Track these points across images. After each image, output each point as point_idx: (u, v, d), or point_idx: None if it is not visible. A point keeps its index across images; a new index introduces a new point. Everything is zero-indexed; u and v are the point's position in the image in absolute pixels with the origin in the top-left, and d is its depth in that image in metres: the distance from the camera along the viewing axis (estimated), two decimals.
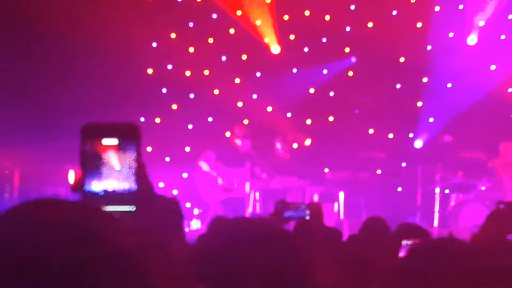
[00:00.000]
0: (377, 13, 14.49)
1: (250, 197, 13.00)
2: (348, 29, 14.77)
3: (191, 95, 14.68)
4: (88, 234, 1.48)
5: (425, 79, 14.52)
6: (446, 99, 14.17)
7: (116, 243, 1.51)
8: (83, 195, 1.88)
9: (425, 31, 14.35)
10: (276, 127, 14.22)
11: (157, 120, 14.27)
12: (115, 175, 1.90)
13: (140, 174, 1.89)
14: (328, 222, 11.88)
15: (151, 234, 1.86)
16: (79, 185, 1.89)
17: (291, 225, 5.15)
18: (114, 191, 1.89)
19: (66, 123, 12.72)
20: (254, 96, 14.80)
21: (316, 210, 5.11)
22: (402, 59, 14.58)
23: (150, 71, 14.64)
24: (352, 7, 14.69)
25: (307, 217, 4.90)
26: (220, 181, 12.80)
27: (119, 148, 1.90)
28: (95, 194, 1.89)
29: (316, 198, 13.53)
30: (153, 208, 1.95)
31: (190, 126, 14.48)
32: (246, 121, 14.09)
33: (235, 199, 12.81)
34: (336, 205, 13.45)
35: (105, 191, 1.90)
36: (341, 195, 13.59)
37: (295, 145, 14.37)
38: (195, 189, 13.03)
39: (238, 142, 13.01)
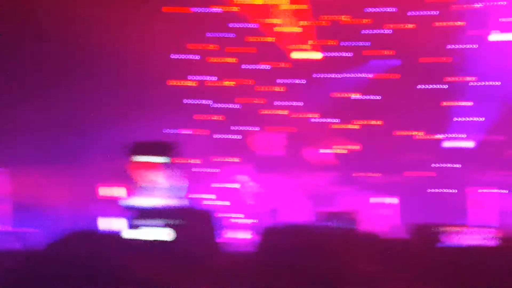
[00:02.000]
0: (419, 14, 14.39)
1: (298, 205, 13.00)
2: (389, 31, 14.64)
3: (214, 105, 14.60)
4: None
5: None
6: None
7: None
8: (128, 210, 1.83)
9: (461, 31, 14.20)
10: (318, 133, 14.14)
11: (206, 132, 14.27)
12: (159, 191, 1.87)
13: (183, 189, 1.84)
14: (377, 227, 11.80)
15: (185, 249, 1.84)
16: (125, 200, 1.84)
17: None
18: (158, 207, 1.85)
19: (94, 141, 12.85)
20: (294, 103, 14.69)
21: (357, 216, 5.07)
22: (446, 59, 14.40)
23: (172, 83, 14.57)
24: (391, 9, 14.57)
25: (349, 224, 4.94)
26: (261, 192, 12.80)
27: (164, 165, 1.87)
28: (140, 209, 1.86)
29: (363, 202, 13.45)
30: (193, 222, 1.89)
31: (215, 136, 14.37)
32: None
33: (283, 207, 12.83)
34: (388, 208, 13.33)
35: (150, 207, 1.86)
36: (390, 199, 13.46)
37: (339, 151, 14.26)
38: (245, 200, 13.01)
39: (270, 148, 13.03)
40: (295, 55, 14.62)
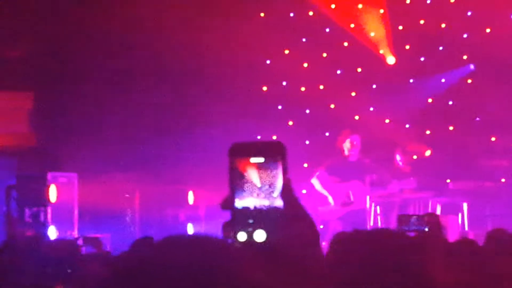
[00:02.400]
0: (495, 17, 14.11)
1: (371, 210, 12.82)
2: (465, 35, 14.44)
3: (307, 111, 14.61)
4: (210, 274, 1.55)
5: None
6: None
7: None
8: (232, 213, 1.84)
9: None
10: (395, 139, 13.99)
11: (274, 137, 14.22)
12: (260, 193, 1.85)
13: (286, 191, 1.83)
14: (452, 234, 11.60)
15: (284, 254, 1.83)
16: (227, 203, 1.85)
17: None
18: (261, 209, 1.84)
19: (184, 145, 12.90)
20: (371, 109, 14.62)
21: (434, 221, 4.98)
22: None
23: (265, 88, 14.66)
24: (469, 13, 14.36)
25: (426, 229, 4.86)
26: (331, 199, 12.63)
27: (266, 167, 1.85)
28: (243, 211, 1.85)
29: (439, 209, 13.25)
30: (297, 226, 1.87)
31: (307, 142, 14.40)
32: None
33: (354, 213, 12.62)
34: (460, 216, 13.10)
35: (252, 208, 1.85)
36: (465, 205, 13.25)
37: (415, 157, 14.12)
38: (312, 207, 12.90)
39: (349, 152, 12.81)
40: (370, 60, 14.53)
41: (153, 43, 13.31)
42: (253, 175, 1.86)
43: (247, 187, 1.86)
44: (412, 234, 5.04)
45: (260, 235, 1.84)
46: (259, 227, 1.83)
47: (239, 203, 1.86)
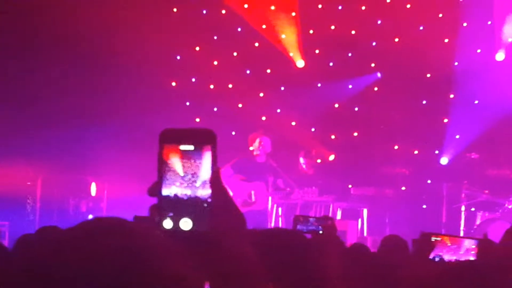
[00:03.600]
0: (404, 28, 14.37)
1: (272, 211, 12.89)
2: (374, 43, 14.67)
3: (215, 109, 14.61)
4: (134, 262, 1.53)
5: (451, 95, 14.38)
6: (472, 115, 14.01)
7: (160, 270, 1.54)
8: (159, 200, 1.83)
9: (452, 47, 14.23)
10: (300, 141, 14.11)
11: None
12: (183, 182, 1.84)
13: (215, 181, 1.82)
14: (351, 238, 11.79)
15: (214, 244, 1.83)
16: (154, 189, 1.83)
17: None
18: (189, 198, 1.83)
19: (88, 134, 12.73)
20: (278, 110, 14.71)
21: (329, 224, 5.06)
22: (428, 75, 14.46)
23: (174, 83, 14.59)
24: (379, 21, 14.59)
25: (321, 231, 4.94)
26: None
27: (190, 155, 1.84)
28: (170, 200, 1.84)
29: (339, 214, 13.42)
30: (226, 216, 1.87)
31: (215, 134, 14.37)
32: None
33: (254, 213, 12.64)
34: (359, 221, 13.31)
35: (179, 197, 1.84)
36: (365, 211, 13.47)
37: (319, 160, 14.27)
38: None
39: (256, 152, 12.85)
40: (279, 61, 14.61)
41: (65, 28, 13.08)
42: (176, 163, 1.84)
43: (170, 176, 1.84)
44: (307, 235, 5.09)
45: (186, 224, 1.82)
46: (185, 216, 1.81)
47: (164, 191, 1.84)
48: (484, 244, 3.64)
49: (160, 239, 1.61)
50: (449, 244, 3.83)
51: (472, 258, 3.71)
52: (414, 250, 4.82)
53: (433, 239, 3.89)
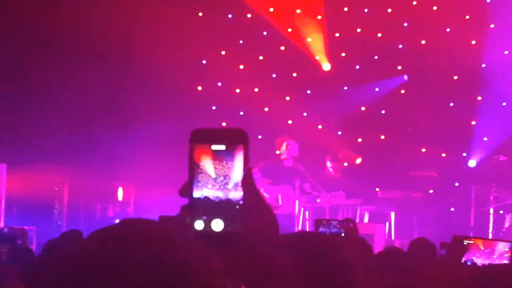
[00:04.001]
0: (431, 30, 14.31)
1: (299, 215, 12.87)
2: (400, 46, 14.61)
3: (241, 113, 14.61)
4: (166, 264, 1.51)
5: (479, 98, 14.29)
6: (500, 117, 13.91)
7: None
8: (190, 201, 1.80)
9: (479, 49, 14.13)
10: (326, 145, 14.07)
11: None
12: (215, 184, 1.81)
13: (247, 181, 1.80)
14: (379, 242, 11.73)
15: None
16: (185, 190, 1.81)
17: None
18: (221, 200, 1.81)
19: (114, 139, 12.78)
20: (305, 114, 14.68)
21: (350, 226, 5.05)
22: (455, 77, 14.37)
23: (200, 88, 14.62)
24: (405, 24, 14.53)
25: (342, 234, 4.93)
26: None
27: (221, 157, 1.82)
28: (201, 201, 1.81)
29: (366, 217, 13.37)
30: (258, 218, 1.85)
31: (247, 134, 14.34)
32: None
33: (281, 216, 12.60)
34: (387, 225, 13.25)
35: (208, 198, 1.82)
36: (393, 214, 13.40)
37: (345, 164, 14.23)
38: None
39: (283, 156, 12.85)
40: (305, 65, 14.59)
41: (90, 36, 13.14)
42: (207, 165, 1.82)
43: (202, 178, 1.82)
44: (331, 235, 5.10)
45: (218, 225, 1.80)
46: (216, 217, 1.79)
47: (195, 193, 1.82)
48: None
49: (191, 242, 1.59)
50: (482, 248, 3.75)
51: (506, 262, 3.64)
52: (446, 254, 4.78)
53: (465, 242, 3.82)
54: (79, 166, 12.59)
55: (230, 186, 1.80)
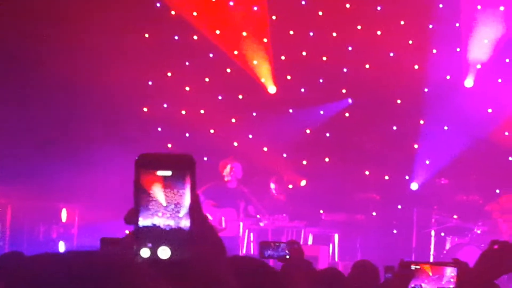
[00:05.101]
0: (374, 54, 14.49)
1: (244, 237, 12.87)
2: (345, 70, 14.76)
3: (187, 134, 14.61)
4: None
5: (421, 121, 14.49)
6: (442, 141, 14.13)
7: None
8: (135, 229, 1.79)
9: (422, 73, 14.36)
10: (271, 167, 14.13)
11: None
12: (166, 212, 1.81)
13: (194, 208, 1.81)
14: (323, 263, 11.80)
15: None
16: (131, 217, 1.81)
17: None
18: (164, 228, 1.81)
19: (59, 161, 12.67)
20: (250, 136, 14.74)
21: (295, 248, 5.09)
22: (399, 101, 14.57)
23: (145, 109, 14.59)
24: (350, 48, 14.69)
25: (287, 256, 4.96)
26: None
27: (173, 184, 1.82)
28: (148, 229, 1.81)
29: (311, 239, 13.44)
30: (205, 244, 1.86)
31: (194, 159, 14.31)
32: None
33: (225, 239, 12.50)
34: (331, 247, 13.34)
35: (157, 226, 1.81)
36: (336, 236, 13.50)
37: (290, 186, 14.30)
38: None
39: (227, 178, 12.86)
40: (251, 87, 14.67)
41: (33, 55, 13.05)
42: (158, 193, 1.79)
43: (152, 206, 1.79)
44: (272, 260, 5.13)
45: (164, 252, 1.79)
46: (163, 244, 1.77)
47: (143, 221, 1.79)
48: (462, 270, 3.64)
49: (137, 268, 1.59)
50: (431, 274, 3.74)
51: (451, 287, 3.64)
52: (391, 278, 4.82)
53: (413, 267, 3.82)
54: (21, 187, 12.46)
55: (181, 214, 1.79)
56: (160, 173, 1.83)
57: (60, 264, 1.50)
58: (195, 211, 1.80)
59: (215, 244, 1.90)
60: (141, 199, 1.81)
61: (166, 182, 1.81)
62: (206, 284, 1.80)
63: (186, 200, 1.82)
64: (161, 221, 1.81)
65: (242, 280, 2.28)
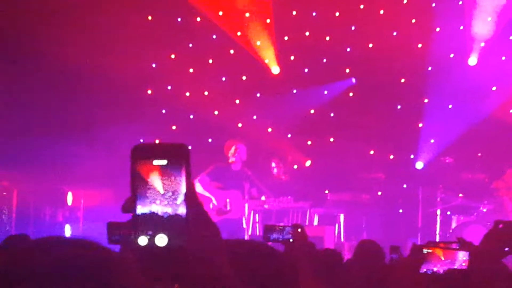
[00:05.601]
0: (378, 33, 14.46)
1: (249, 219, 12.88)
2: (348, 49, 14.74)
3: (191, 116, 14.62)
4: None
5: (426, 100, 14.48)
6: (447, 120, 14.12)
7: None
8: (133, 218, 1.82)
9: (425, 52, 14.33)
10: (276, 148, 14.15)
11: (157, 141, 14.14)
12: (163, 200, 1.84)
13: (190, 196, 1.83)
14: (328, 244, 11.82)
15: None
16: (128, 206, 1.82)
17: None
18: (162, 215, 1.83)
19: (64, 144, 12.70)
20: (254, 117, 14.74)
21: (298, 231, 5.10)
22: (402, 80, 14.56)
23: (149, 91, 14.60)
24: (353, 27, 14.67)
25: (291, 240, 4.97)
26: (211, 204, 12.61)
27: (169, 172, 1.84)
28: (146, 217, 1.83)
29: (316, 220, 13.45)
30: (201, 232, 1.88)
31: (189, 147, 14.35)
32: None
33: (230, 221, 12.60)
34: (336, 227, 13.35)
35: (155, 214, 1.84)
36: (342, 217, 13.51)
37: (295, 166, 14.31)
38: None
39: (231, 159, 12.85)
40: (255, 68, 14.66)
41: (38, 43, 13.04)
42: (156, 181, 1.82)
43: (150, 194, 1.82)
44: (276, 243, 5.14)
45: (161, 240, 1.81)
46: (161, 232, 1.80)
47: (141, 209, 1.82)
48: (474, 254, 3.62)
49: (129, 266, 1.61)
50: (443, 259, 3.70)
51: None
52: (402, 263, 4.80)
53: (424, 251, 3.79)
54: (27, 171, 12.49)
55: (178, 201, 1.81)
56: (156, 162, 1.85)
57: (38, 257, 1.54)
58: (191, 198, 1.82)
59: (210, 230, 1.91)
60: (138, 188, 1.84)
61: (163, 171, 1.84)
62: (203, 271, 1.82)
63: (183, 187, 1.84)
64: (159, 208, 1.83)
65: (244, 263, 2.29)
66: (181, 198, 1.79)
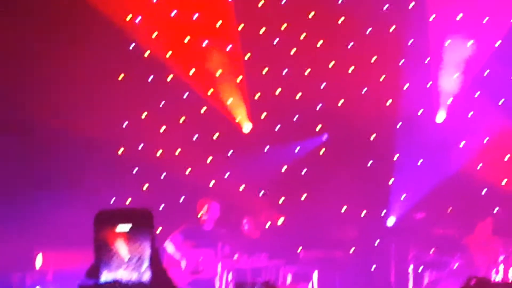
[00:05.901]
0: (348, 90, 14.57)
1: (222, 278, 12.82)
2: (319, 106, 14.83)
3: (163, 175, 14.60)
4: None
5: (396, 156, 14.57)
6: (417, 175, 14.20)
7: None
8: (95, 286, 1.84)
9: (395, 108, 14.46)
10: (249, 206, 14.13)
11: (128, 201, 14.13)
12: (128, 265, 1.86)
13: (155, 262, 1.85)
14: None
15: None
16: (92, 273, 1.85)
17: None
18: (127, 282, 1.85)
19: (34, 204, 12.65)
20: (227, 175, 14.75)
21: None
22: (373, 136, 14.64)
23: (120, 151, 14.58)
24: (323, 85, 14.77)
25: None
26: (183, 264, 12.56)
27: (134, 238, 1.87)
28: (109, 285, 1.86)
29: (289, 278, 13.40)
30: None
31: (161, 207, 14.34)
32: None
33: (202, 281, 12.57)
34: (310, 284, 13.31)
35: (117, 281, 1.86)
36: (315, 274, 13.47)
37: (268, 224, 14.29)
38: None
39: (204, 218, 12.84)
40: (226, 126, 14.72)
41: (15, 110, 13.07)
42: (120, 247, 1.84)
43: (114, 260, 1.83)
44: None
45: None
46: None
47: (106, 276, 1.83)
48: None
49: None
50: None
51: None
52: None
53: None
54: None
55: (143, 268, 1.83)
56: (120, 229, 1.88)
57: None
58: (155, 263, 1.84)
59: None
60: (103, 255, 1.86)
61: (128, 237, 1.86)
62: None
63: (148, 253, 1.87)
64: (125, 274, 1.86)
65: None
66: (146, 264, 1.81)
